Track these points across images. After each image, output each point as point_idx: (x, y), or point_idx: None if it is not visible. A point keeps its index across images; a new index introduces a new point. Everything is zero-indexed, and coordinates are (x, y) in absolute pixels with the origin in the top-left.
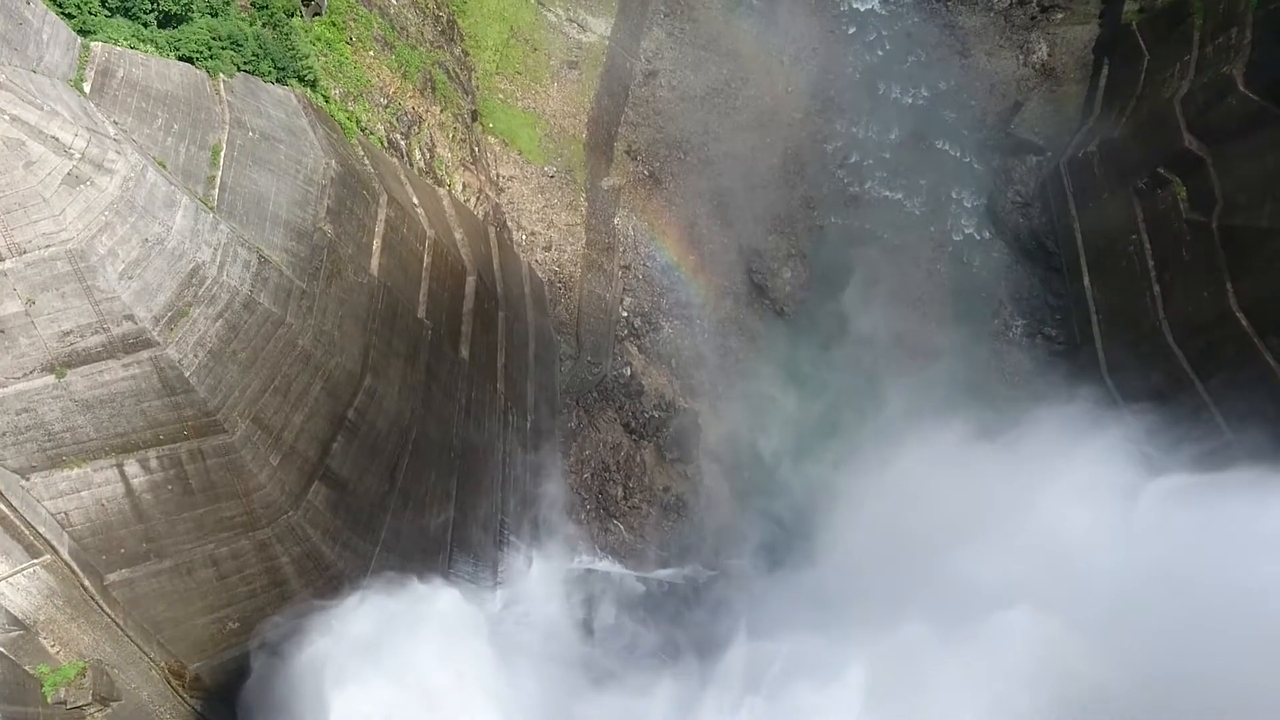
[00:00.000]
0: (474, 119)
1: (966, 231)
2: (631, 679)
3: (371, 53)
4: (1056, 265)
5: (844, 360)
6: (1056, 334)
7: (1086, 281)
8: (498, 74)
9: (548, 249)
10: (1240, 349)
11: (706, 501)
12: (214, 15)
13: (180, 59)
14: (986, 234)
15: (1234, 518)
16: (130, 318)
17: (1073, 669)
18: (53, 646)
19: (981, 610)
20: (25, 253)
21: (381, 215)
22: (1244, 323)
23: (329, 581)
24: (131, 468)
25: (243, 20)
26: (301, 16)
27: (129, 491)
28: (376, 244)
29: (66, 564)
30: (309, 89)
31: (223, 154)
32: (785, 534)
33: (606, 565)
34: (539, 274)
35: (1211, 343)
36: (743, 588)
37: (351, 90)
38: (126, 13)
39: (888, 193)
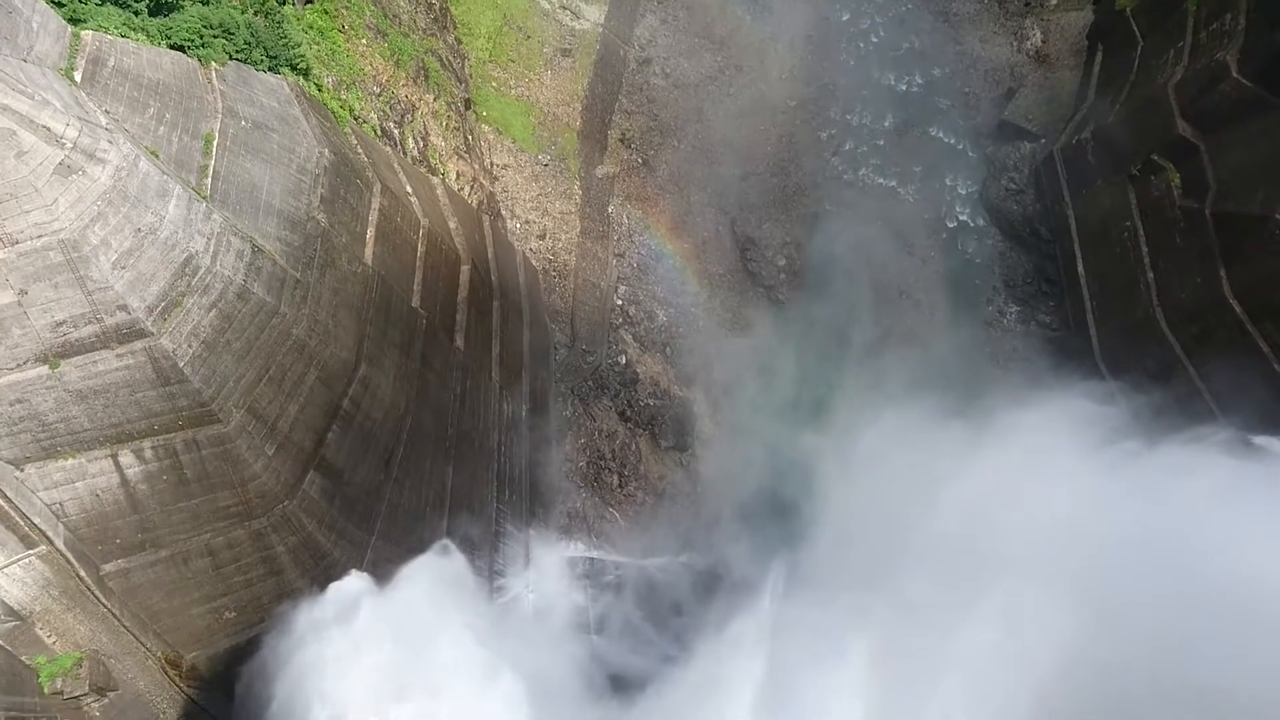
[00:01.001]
0: (467, 107)
1: (960, 218)
2: (627, 664)
3: (364, 41)
4: (1050, 252)
5: (838, 347)
6: (1050, 320)
7: (1080, 268)
8: (491, 62)
9: (542, 237)
10: (1233, 335)
11: (701, 488)
12: (205, 3)
13: (172, 47)
14: (980, 221)
15: (1156, 484)
16: (124, 308)
17: (1074, 643)
18: (49, 637)
19: (971, 582)
20: (17, 243)
21: (375, 204)
22: (1237, 309)
23: (325, 570)
24: (126, 458)
25: (234, 8)
26: (293, 4)
27: (124, 482)
28: (370, 233)
29: (62, 554)
30: (301, 77)
31: (215, 143)
32: (778, 517)
33: (603, 553)
34: (533, 262)
35: (1204, 328)
36: (737, 571)
37: (344, 78)
38: (117, 1)
39: (881, 180)
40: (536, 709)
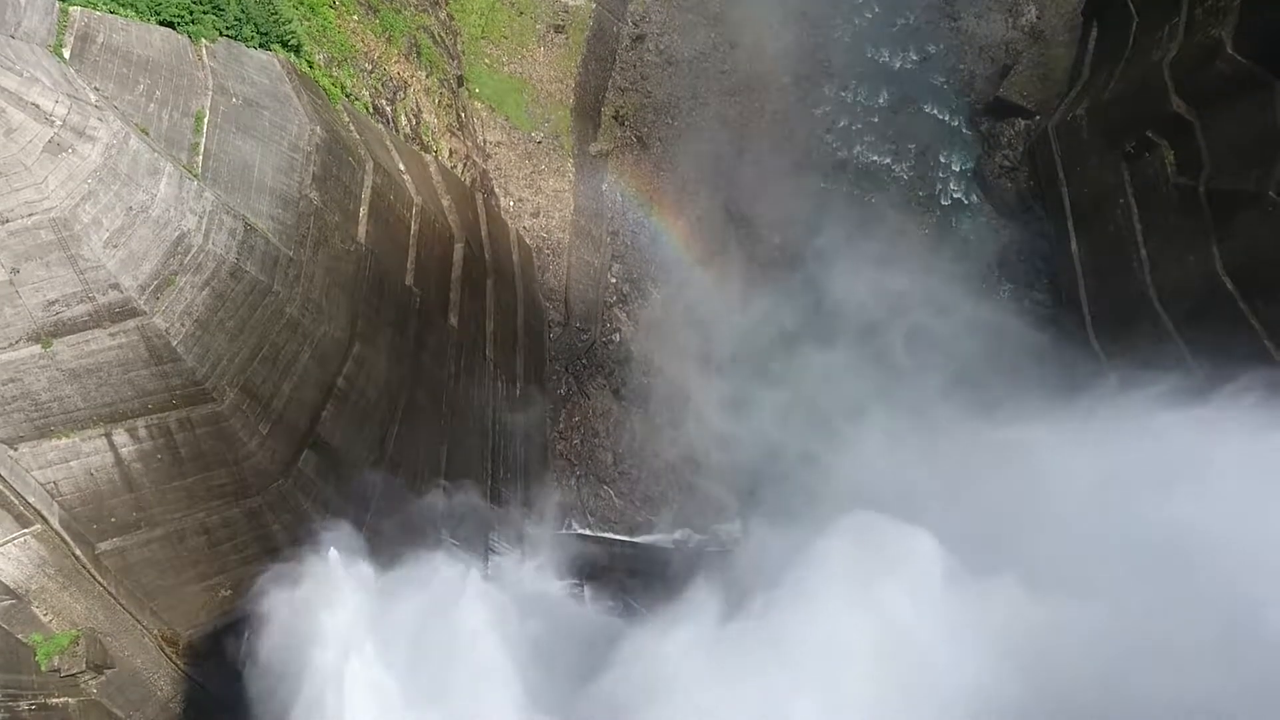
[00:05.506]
0: (460, 84)
1: (954, 195)
2: (617, 636)
3: (355, 17)
4: (1044, 229)
5: (831, 325)
6: (1044, 298)
7: (1074, 245)
8: (483, 38)
9: (536, 215)
10: (1226, 312)
11: (695, 467)
12: None
13: (161, 24)
14: (974, 198)
15: None
16: (116, 286)
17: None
18: (45, 615)
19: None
20: (8, 221)
21: (368, 182)
22: (1229, 286)
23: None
24: (120, 437)
25: None
26: None
27: (118, 461)
28: (363, 211)
29: (57, 533)
30: (292, 54)
31: (206, 121)
32: (771, 498)
33: (597, 531)
34: (527, 241)
35: (1197, 306)
36: (732, 551)
37: (336, 55)
38: None
39: (876, 157)
40: (533, 675)
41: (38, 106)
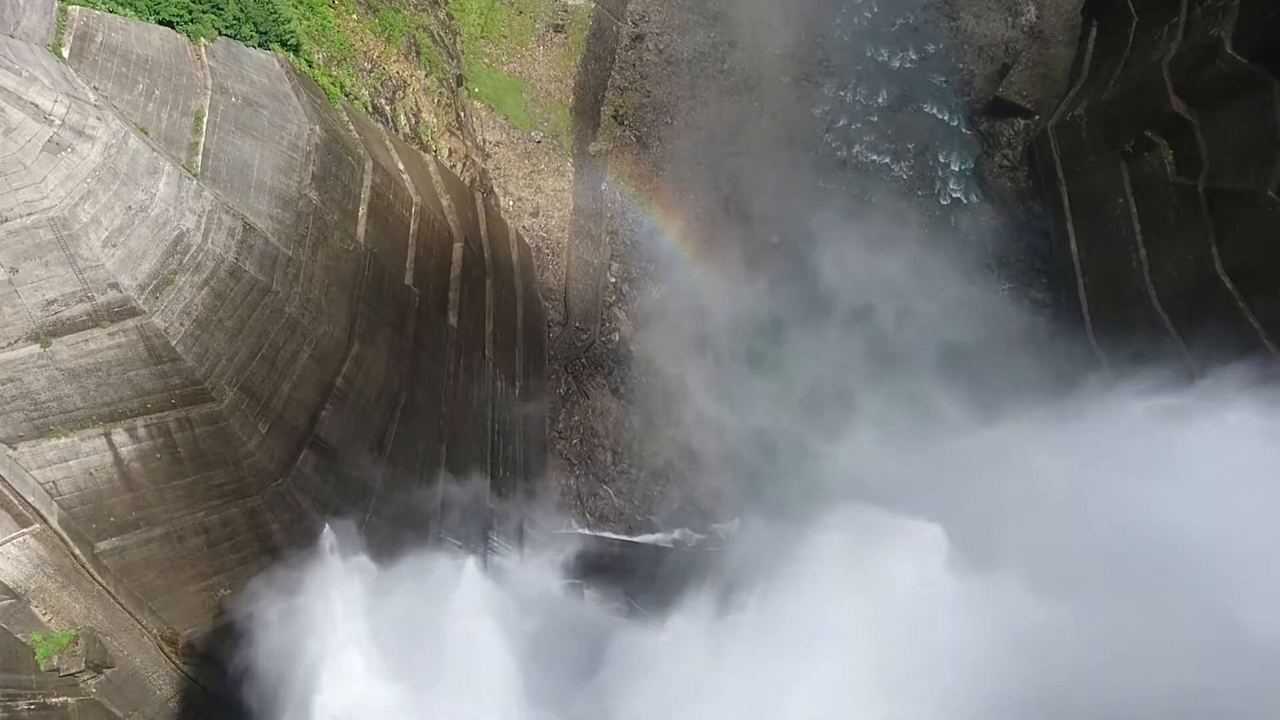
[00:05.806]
0: (459, 84)
1: (954, 195)
2: (614, 634)
3: (355, 16)
4: (1043, 229)
5: (830, 324)
6: (1043, 297)
7: (1073, 245)
8: (483, 38)
9: (535, 215)
10: (1224, 311)
11: (694, 466)
12: None
13: (160, 23)
14: (974, 198)
15: None
16: (115, 286)
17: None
18: (44, 615)
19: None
20: (6, 221)
21: (367, 182)
22: (1228, 285)
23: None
24: (119, 437)
25: None
26: None
27: (117, 460)
28: (362, 211)
29: (56, 533)
30: (292, 54)
31: (205, 120)
32: (769, 497)
33: (596, 530)
34: (526, 240)
35: (1196, 305)
36: (730, 550)
37: (335, 55)
38: None
39: (875, 157)
40: (532, 669)
41: (37, 106)
